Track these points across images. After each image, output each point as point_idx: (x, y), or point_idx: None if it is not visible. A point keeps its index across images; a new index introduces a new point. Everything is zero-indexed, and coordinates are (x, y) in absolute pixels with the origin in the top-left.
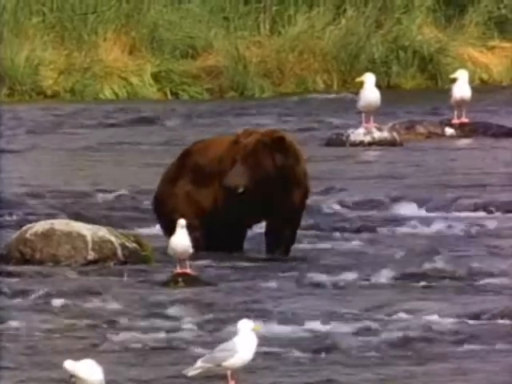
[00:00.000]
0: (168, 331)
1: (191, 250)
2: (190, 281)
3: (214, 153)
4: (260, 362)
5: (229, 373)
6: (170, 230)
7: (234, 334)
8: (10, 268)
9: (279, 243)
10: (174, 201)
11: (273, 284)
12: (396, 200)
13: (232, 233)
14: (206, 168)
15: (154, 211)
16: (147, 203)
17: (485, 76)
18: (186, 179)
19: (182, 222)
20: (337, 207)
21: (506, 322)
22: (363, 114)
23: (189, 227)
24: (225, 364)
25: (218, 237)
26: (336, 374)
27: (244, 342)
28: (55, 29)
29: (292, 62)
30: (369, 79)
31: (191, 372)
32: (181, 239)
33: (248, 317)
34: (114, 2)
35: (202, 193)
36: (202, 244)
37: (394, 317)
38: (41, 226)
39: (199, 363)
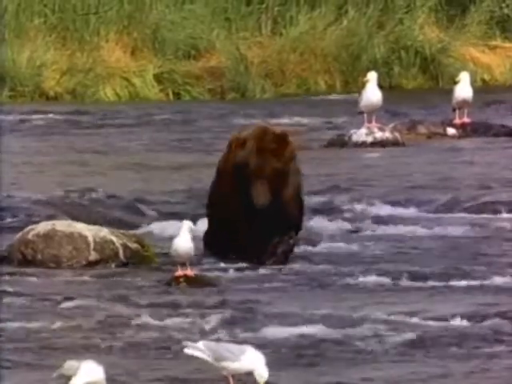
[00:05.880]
0: (169, 331)
1: (193, 253)
2: (191, 281)
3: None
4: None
5: (230, 377)
6: None
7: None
8: (12, 269)
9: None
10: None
11: (273, 285)
12: (398, 200)
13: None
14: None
15: None
16: (149, 204)
17: (486, 76)
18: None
19: (186, 224)
20: (338, 207)
21: (508, 322)
22: (365, 115)
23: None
24: (231, 369)
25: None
26: (337, 374)
27: (256, 357)
28: (57, 30)
29: (293, 63)
30: (373, 78)
31: (191, 350)
32: (183, 241)
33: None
34: (116, 3)
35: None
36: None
37: (394, 317)
38: (42, 227)
39: (201, 345)
